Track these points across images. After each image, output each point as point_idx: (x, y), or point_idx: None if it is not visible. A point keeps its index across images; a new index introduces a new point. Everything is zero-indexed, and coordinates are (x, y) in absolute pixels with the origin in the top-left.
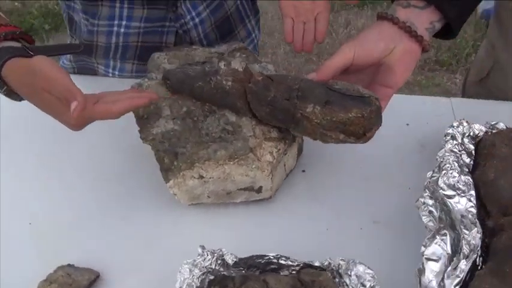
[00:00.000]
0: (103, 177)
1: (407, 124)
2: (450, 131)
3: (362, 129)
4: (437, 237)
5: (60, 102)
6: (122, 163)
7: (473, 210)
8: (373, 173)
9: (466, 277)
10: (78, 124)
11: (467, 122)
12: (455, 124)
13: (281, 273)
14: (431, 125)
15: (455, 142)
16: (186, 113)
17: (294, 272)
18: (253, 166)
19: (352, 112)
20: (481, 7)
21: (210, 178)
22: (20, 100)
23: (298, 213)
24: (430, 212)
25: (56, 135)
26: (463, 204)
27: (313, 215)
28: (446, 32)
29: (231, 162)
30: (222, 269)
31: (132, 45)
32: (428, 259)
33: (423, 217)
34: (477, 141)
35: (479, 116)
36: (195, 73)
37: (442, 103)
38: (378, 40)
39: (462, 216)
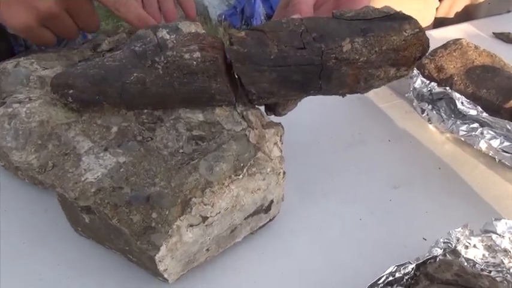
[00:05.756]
0: None
1: None
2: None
3: (420, 50)
4: None
5: None
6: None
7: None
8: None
9: None
10: None
11: None
12: None
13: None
14: None
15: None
16: (119, 134)
17: (408, 279)
18: (268, 170)
19: (406, 30)
20: None
21: (216, 214)
22: None
23: (312, 218)
24: None
25: None
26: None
27: (326, 212)
28: None
29: (240, 176)
30: None
31: None
32: None
33: None
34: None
35: None
36: (120, 61)
37: None
38: None
39: None
